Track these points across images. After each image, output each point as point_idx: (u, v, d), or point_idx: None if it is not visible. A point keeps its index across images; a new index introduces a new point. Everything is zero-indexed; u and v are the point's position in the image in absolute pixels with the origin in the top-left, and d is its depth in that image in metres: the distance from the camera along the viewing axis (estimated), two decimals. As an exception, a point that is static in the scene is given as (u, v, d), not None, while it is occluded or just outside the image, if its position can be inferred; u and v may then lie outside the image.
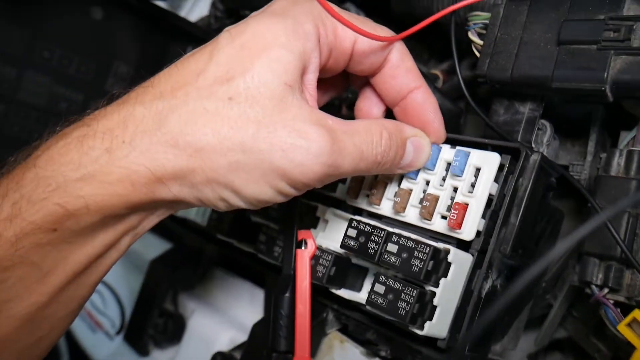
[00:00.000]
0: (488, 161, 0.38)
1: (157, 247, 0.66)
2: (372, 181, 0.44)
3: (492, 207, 0.38)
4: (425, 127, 0.40)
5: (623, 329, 0.34)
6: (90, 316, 0.70)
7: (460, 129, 0.58)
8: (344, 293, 0.42)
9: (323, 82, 0.42)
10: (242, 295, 0.57)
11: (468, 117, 0.61)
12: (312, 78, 0.37)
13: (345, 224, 0.43)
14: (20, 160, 0.33)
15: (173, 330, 0.57)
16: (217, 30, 0.68)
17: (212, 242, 0.56)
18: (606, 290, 0.39)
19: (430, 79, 0.56)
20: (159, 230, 0.69)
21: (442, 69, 0.61)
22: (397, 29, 0.41)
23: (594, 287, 0.39)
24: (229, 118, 0.32)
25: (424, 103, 0.40)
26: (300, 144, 0.32)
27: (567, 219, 0.48)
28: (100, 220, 0.32)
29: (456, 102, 0.57)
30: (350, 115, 0.46)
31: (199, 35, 0.67)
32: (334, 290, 0.42)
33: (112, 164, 0.31)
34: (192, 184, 0.33)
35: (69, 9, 0.60)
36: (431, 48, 0.69)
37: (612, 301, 0.38)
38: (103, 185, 0.31)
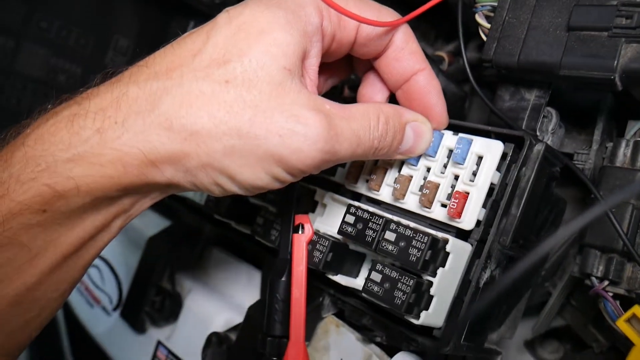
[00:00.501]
0: (491, 149, 0.38)
1: (155, 224, 0.66)
2: (372, 166, 0.43)
3: (494, 197, 0.38)
4: (428, 112, 0.39)
5: (622, 324, 0.33)
6: (88, 291, 0.71)
7: (465, 113, 0.57)
8: (340, 279, 0.42)
9: (326, 67, 0.41)
10: (239, 276, 0.57)
11: (473, 101, 0.60)
12: (313, 62, 0.36)
13: (344, 209, 0.42)
14: (9, 139, 0.32)
15: (170, 309, 0.57)
16: (221, 5, 0.67)
17: (210, 222, 0.56)
18: (606, 282, 0.38)
19: (435, 62, 0.54)
20: (158, 207, 0.69)
21: (447, 50, 0.59)
22: (405, 8, 0.40)
23: (594, 279, 0.39)
24: (225, 102, 0.31)
25: (427, 85, 0.39)
26: (298, 130, 0.31)
27: (570, 208, 0.48)
28: (90, 202, 0.32)
29: (461, 86, 0.56)
30: (353, 97, 0.45)
31: (202, 9, 0.66)
32: (330, 276, 0.42)
33: (103, 145, 0.31)
34: (187, 169, 0.32)
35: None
36: (438, 28, 0.67)
37: (611, 294, 0.38)
38: (94, 166, 0.31)
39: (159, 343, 0.58)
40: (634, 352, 0.32)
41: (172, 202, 0.59)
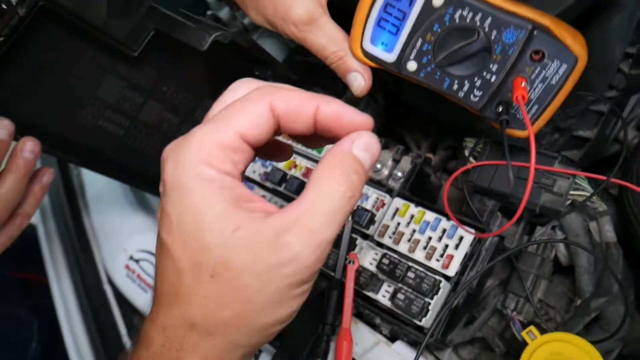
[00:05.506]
0: (467, 234, 0.69)
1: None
2: (395, 228, 0.73)
3: (465, 260, 0.68)
4: (354, 127, 0.41)
5: (524, 335, 0.65)
6: (140, 279, 0.93)
7: (437, 195, 0.88)
8: (370, 294, 0.71)
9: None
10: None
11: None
12: None
13: (373, 251, 0.71)
14: None
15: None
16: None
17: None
18: (515, 312, 0.71)
19: (428, 162, 0.85)
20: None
21: (429, 152, 0.91)
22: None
23: (509, 310, 0.71)
24: (225, 295, 0.37)
25: (333, 110, 0.40)
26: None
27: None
28: None
29: (440, 178, 0.87)
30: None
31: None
32: (365, 292, 0.71)
33: None
34: None
35: (189, 60, 0.82)
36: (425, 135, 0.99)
37: (518, 319, 0.70)
38: None
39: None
40: (526, 350, 0.64)
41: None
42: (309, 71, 0.94)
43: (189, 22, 0.70)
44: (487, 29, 0.53)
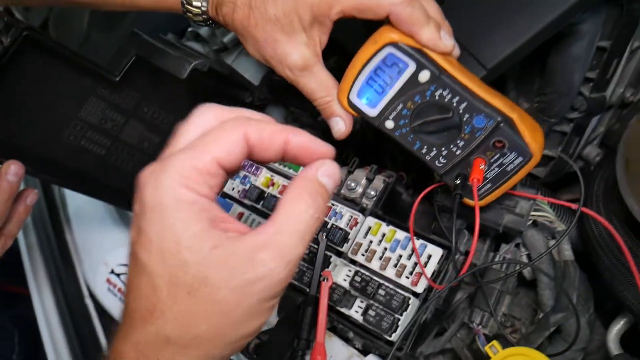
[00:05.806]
0: (435, 252, 0.72)
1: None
2: (368, 245, 0.76)
3: (433, 278, 0.72)
4: (318, 156, 0.45)
5: (487, 349, 0.69)
6: (122, 293, 0.95)
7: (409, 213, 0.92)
8: (344, 310, 0.74)
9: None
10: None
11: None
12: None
13: (346, 268, 0.75)
14: None
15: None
16: (258, 102, 0.96)
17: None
18: (480, 326, 0.74)
19: (400, 180, 0.88)
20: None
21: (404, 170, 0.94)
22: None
23: (474, 324, 0.75)
24: (203, 311, 0.38)
25: (302, 140, 0.44)
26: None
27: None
28: None
29: (411, 196, 0.90)
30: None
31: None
32: (338, 308, 0.74)
33: None
34: None
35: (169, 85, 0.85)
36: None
37: (483, 333, 0.74)
38: None
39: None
40: (490, 362, 0.67)
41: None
42: (286, 90, 0.96)
43: (169, 49, 0.72)
44: (460, 111, 0.59)
